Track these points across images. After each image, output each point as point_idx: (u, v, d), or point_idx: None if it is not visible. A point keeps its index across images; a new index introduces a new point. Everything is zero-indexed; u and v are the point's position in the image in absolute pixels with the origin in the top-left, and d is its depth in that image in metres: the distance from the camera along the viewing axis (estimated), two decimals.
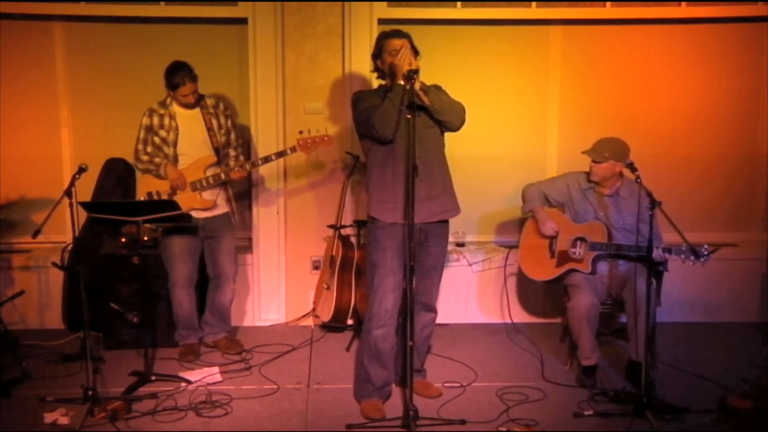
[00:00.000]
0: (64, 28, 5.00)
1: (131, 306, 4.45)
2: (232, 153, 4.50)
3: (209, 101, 4.42)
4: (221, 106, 4.47)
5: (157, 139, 4.31)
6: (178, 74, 4.20)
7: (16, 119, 5.03)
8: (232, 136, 4.51)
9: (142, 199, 4.33)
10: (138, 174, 4.98)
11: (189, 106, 4.33)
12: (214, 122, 4.39)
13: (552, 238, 4.33)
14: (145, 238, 4.53)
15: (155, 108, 4.32)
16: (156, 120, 4.31)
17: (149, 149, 4.33)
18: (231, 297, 4.58)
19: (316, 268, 5.09)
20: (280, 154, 4.44)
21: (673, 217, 3.62)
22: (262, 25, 4.84)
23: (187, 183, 4.30)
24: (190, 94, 4.25)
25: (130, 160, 4.95)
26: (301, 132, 4.40)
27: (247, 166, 4.43)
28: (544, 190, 4.40)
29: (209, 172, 4.35)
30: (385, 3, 4.93)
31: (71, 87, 5.06)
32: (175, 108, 4.32)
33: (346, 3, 4.82)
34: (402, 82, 3.43)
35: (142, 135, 4.33)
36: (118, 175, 4.94)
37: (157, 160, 4.31)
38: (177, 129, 4.31)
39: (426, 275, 3.74)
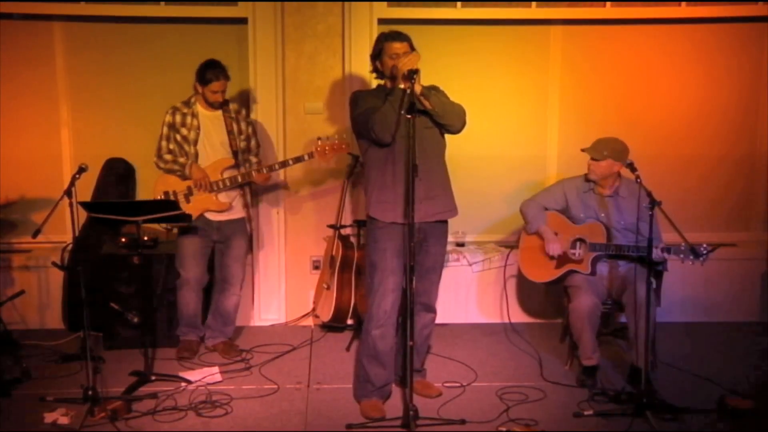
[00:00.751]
0: (64, 28, 4.99)
1: (131, 306, 4.45)
2: (254, 159, 4.51)
3: (232, 106, 4.44)
4: (243, 112, 4.50)
5: (178, 137, 4.32)
6: (213, 70, 4.23)
7: (16, 119, 5.02)
8: (252, 143, 4.52)
9: (159, 197, 4.33)
10: (137, 174, 5.01)
11: (213, 106, 4.34)
12: (235, 127, 4.40)
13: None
14: (145, 238, 4.54)
15: (179, 107, 4.34)
16: (179, 118, 4.32)
17: (171, 146, 4.33)
18: (236, 303, 4.57)
19: (316, 268, 5.09)
20: (297, 159, 4.44)
21: (673, 217, 3.62)
22: (262, 25, 4.84)
23: (210, 183, 4.30)
24: (219, 92, 4.26)
25: (131, 159, 4.98)
26: (320, 138, 4.39)
27: (265, 170, 4.43)
28: (542, 203, 4.36)
29: (226, 174, 4.36)
30: (385, 3, 4.93)
31: (71, 87, 5.06)
32: (199, 108, 4.34)
33: (346, 3, 4.82)
34: (403, 85, 3.41)
35: (165, 132, 4.34)
36: (118, 175, 4.94)
37: (181, 160, 4.31)
38: (199, 128, 4.32)
39: (425, 275, 3.74)
